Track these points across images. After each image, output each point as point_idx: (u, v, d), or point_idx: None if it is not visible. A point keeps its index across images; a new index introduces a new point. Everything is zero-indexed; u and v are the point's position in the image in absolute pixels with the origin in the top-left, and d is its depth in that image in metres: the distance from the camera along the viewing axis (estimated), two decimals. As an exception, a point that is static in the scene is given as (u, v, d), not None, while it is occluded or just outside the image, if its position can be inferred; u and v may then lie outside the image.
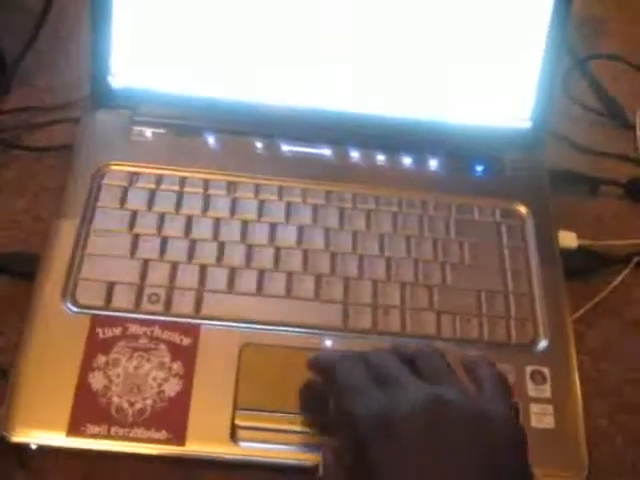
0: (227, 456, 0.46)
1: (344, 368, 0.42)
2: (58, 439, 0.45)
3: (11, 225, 0.57)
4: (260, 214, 0.56)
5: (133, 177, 0.56)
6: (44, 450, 0.46)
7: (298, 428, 0.46)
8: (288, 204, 0.56)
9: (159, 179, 0.56)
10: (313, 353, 0.46)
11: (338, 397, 0.41)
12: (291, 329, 0.50)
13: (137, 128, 0.59)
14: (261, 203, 0.56)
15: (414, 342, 0.50)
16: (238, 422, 0.46)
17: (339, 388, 0.41)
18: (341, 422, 0.41)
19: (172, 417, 0.46)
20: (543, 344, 0.52)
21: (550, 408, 0.49)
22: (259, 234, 0.54)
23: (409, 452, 0.37)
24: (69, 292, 0.50)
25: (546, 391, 0.50)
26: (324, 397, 0.43)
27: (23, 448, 0.46)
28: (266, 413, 0.47)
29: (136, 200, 0.55)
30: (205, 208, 0.55)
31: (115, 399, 0.46)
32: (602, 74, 0.72)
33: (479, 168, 0.61)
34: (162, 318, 0.50)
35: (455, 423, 0.38)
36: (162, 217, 0.54)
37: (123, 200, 0.55)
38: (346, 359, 0.43)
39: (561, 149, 0.66)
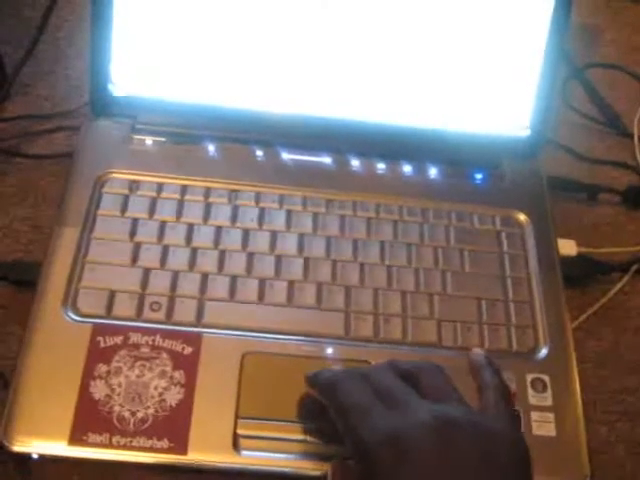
0: (229, 465, 0.46)
1: (347, 388, 0.42)
2: (59, 448, 0.45)
3: (11, 233, 0.57)
4: (261, 222, 0.56)
5: (134, 185, 0.56)
6: (45, 460, 0.46)
7: (300, 437, 0.46)
8: (289, 212, 0.56)
9: (160, 187, 0.56)
10: (311, 370, 0.45)
11: (344, 417, 0.41)
12: (292, 337, 0.50)
13: (138, 136, 0.59)
14: (262, 211, 0.56)
15: (415, 351, 0.51)
16: (240, 431, 0.46)
17: (344, 409, 0.41)
18: (350, 442, 0.40)
19: (174, 426, 0.46)
20: (543, 352, 0.52)
21: (551, 416, 0.49)
22: (260, 242, 0.55)
23: (421, 474, 0.37)
24: (70, 300, 0.50)
25: (547, 399, 0.50)
26: (324, 410, 0.43)
27: (24, 458, 0.46)
28: (268, 422, 0.47)
29: (137, 208, 0.55)
30: (206, 216, 0.55)
31: (117, 408, 0.46)
32: (600, 82, 0.72)
33: (479, 176, 0.61)
34: (163, 327, 0.50)
35: (463, 442, 0.38)
36: (163, 225, 0.54)
37: (124, 208, 0.55)
38: (347, 379, 0.43)
39: (560, 157, 0.66)
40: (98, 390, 0.47)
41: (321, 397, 0.44)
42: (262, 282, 0.52)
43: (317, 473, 0.45)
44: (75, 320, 0.49)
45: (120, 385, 0.47)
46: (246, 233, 0.55)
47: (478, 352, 0.47)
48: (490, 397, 0.43)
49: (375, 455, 0.38)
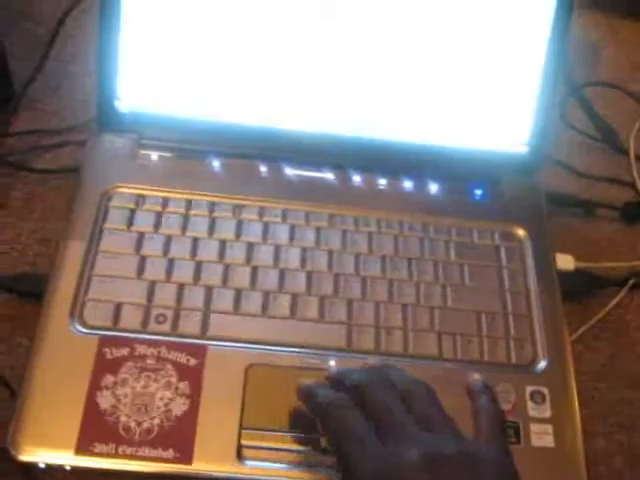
0: (233, 475, 0.46)
1: (341, 415, 0.42)
2: (66, 458, 0.45)
3: (18, 246, 0.58)
4: (265, 236, 0.56)
5: (140, 199, 0.57)
6: (52, 469, 0.46)
7: (303, 448, 0.47)
8: (292, 226, 0.57)
9: (165, 201, 0.57)
10: (304, 382, 0.46)
11: (337, 443, 0.41)
12: (296, 349, 0.51)
13: (143, 151, 0.60)
14: (265, 225, 0.57)
15: (416, 363, 0.51)
16: (244, 442, 0.47)
17: (338, 435, 0.41)
18: (341, 467, 0.41)
19: (179, 436, 0.47)
20: (542, 364, 0.53)
21: (550, 428, 0.50)
22: (264, 256, 0.55)
23: None
24: (77, 313, 0.51)
25: (546, 411, 0.50)
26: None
27: (31, 467, 0.46)
28: (272, 432, 0.47)
29: (143, 222, 0.56)
30: (211, 230, 0.56)
31: (123, 418, 0.47)
32: (597, 100, 0.73)
33: (478, 192, 0.62)
34: (169, 339, 0.50)
35: (453, 478, 0.38)
36: (168, 239, 0.55)
37: (130, 222, 0.56)
38: (341, 403, 0.42)
39: (558, 173, 0.67)
40: (104, 400, 0.47)
41: (313, 416, 0.44)
42: (266, 295, 0.53)
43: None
44: (82, 332, 0.50)
45: (126, 396, 0.48)
46: (250, 247, 0.56)
47: (476, 378, 0.46)
48: (485, 425, 0.43)
49: None
